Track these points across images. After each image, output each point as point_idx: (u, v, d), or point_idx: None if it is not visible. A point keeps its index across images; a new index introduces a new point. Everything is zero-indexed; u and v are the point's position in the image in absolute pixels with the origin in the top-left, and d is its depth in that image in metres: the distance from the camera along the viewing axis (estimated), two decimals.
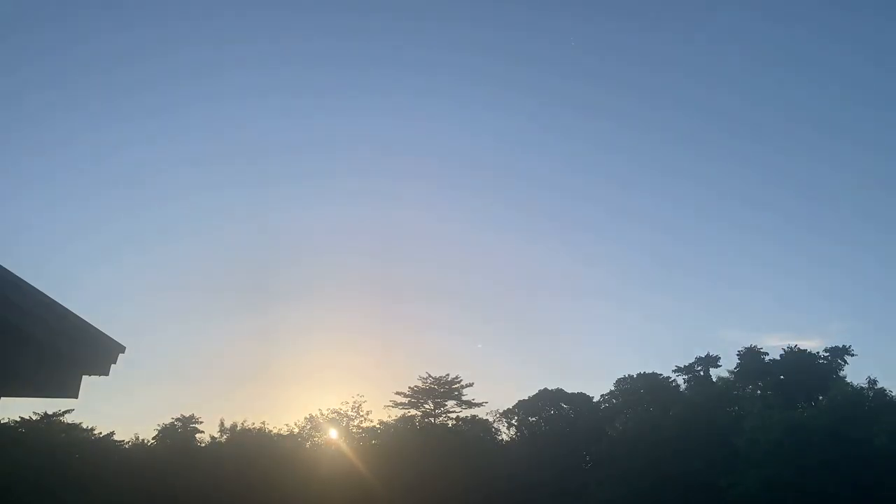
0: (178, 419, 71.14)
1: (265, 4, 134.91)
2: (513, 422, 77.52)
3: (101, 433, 65.70)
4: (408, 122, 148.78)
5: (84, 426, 64.95)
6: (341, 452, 63.33)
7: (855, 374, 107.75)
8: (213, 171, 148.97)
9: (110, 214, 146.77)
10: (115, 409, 74.58)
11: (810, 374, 69.00)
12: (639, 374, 76.23)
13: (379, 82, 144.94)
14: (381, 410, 75.05)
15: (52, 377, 7.43)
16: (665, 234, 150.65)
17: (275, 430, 68.50)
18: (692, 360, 78.24)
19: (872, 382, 62.24)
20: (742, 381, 73.40)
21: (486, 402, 75.32)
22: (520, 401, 77.25)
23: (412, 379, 75.66)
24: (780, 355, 72.94)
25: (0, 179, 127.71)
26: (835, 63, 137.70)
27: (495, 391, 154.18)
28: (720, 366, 77.49)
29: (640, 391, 74.12)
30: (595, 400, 76.14)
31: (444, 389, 73.54)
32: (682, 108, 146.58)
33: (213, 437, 68.58)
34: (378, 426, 71.83)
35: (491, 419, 75.81)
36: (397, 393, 74.60)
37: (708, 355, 78.10)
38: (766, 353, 74.48)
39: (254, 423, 68.34)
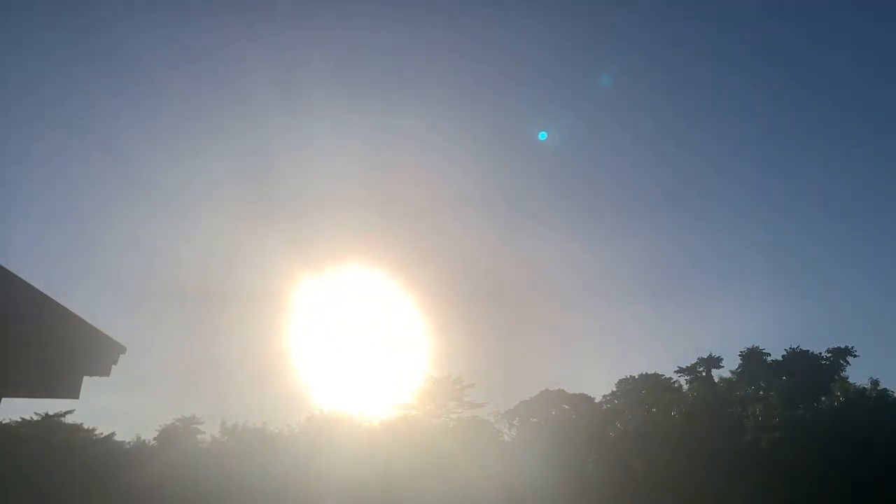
0: (179, 420, 71.25)
1: None
2: (514, 423, 77.47)
3: (102, 434, 65.79)
4: (410, 121, 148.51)
5: (85, 427, 65.08)
6: (342, 453, 63.24)
7: (857, 374, 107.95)
8: (214, 168, 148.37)
9: (110, 213, 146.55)
10: (115, 409, 74.79)
11: (812, 374, 69.00)
12: (641, 375, 76.27)
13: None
14: (382, 411, 75.24)
15: (52, 377, 7.38)
16: (667, 234, 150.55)
17: (276, 431, 68.69)
18: (694, 361, 78.37)
19: (875, 383, 62.26)
20: (744, 382, 73.40)
21: (488, 403, 75.56)
22: (521, 402, 77.30)
23: (414, 380, 75.89)
24: (783, 356, 72.99)
25: None
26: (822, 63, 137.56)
27: (496, 392, 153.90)
28: (722, 366, 77.64)
29: (641, 392, 74.11)
30: (597, 401, 76.11)
31: (445, 390, 73.58)
32: (682, 106, 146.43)
33: (214, 438, 68.70)
34: (379, 427, 71.81)
35: (492, 420, 75.90)
36: (399, 393, 74.65)
37: (710, 356, 78.21)
38: (769, 354, 74.61)
39: (255, 424, 68.61)
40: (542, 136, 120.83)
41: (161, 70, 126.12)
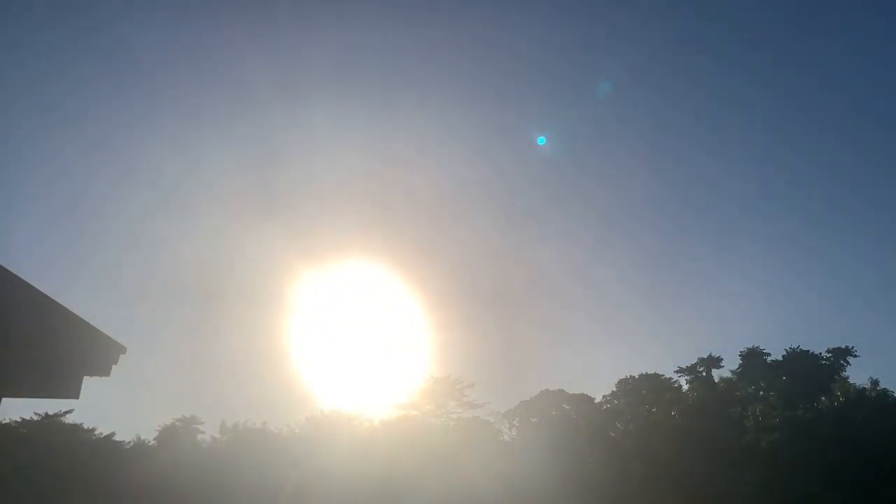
0: (179, 420, 71.20)
1: None
2: (514, 423, 77.40)
3: (101, 434, 65.76)
4: (411, 121, 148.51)
5: (85, 427, 65.06)
6: (342, 453, 63.27)
7: (857, 374, 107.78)
8: (213, 168, 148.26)
9: (111, 213, 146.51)
10: (115, 409, 74.82)
11: (813, 374, 68.91)
12: (641, 375, 76.07)
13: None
14: (382, 411, 75.24)
15: (52, 378, 7.37)
16: (667, 234, 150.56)
17: (276, 431, 68.73)
18: (694, 361, 78.27)
19: (875, 383, 62.31)
20: (744, 382, 73.33)
21: (488, 403, 75.53)
22: (521, 402, 77.21)
23: (414, 380, 75.89)
24: (783, 356, 72.90)
25: None
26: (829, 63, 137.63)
27: (496, 392, 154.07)
28: (723, 366, 77.53)
29: (642, 392, 73.99)
30: (597, 401, 75.98)
31: (445, 390, 73.56)
32: (685, 106, 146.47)
33: (214, 438, 68.71)
34: (379, 427, 71.83)
35: (492, 420, 75.86)
36: (399, 393, 74.61)
37: (710, 356, 78.09)
38: (769, 354, 74.51)
39: (255, 424, 68.65)
40: (541, 140, 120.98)
41: (161, 70, 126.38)
